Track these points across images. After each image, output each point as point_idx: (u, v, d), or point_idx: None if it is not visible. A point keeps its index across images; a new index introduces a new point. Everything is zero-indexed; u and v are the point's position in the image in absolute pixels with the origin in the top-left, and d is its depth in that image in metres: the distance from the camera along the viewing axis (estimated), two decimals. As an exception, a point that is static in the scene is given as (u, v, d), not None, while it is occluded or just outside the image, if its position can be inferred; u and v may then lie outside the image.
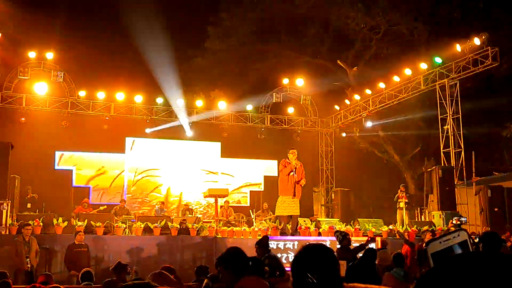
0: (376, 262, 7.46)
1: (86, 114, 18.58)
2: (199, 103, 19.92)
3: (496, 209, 14.81)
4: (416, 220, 15.73)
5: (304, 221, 13.30)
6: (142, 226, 12.05)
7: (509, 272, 0.98)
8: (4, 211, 11.65)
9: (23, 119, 17.57)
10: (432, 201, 15.22)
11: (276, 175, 16.14)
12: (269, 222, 12.63)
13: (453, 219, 12.59)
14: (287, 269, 7.28)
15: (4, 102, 17.68)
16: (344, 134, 21.54)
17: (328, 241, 10.81)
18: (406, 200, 15.19)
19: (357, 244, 8.67)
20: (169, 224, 12.22)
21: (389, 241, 11.25)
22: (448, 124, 16.05)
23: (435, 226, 13.17)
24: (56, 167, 18.60)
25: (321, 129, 21.91)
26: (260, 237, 8.04)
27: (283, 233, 11.66)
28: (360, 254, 7.69)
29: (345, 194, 18.87)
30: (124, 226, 12.23)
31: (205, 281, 4.92)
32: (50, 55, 17.96)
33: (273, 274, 6.61)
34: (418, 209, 17.10)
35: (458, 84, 16.03)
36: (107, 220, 12.15)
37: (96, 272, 9.08)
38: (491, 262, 1.01)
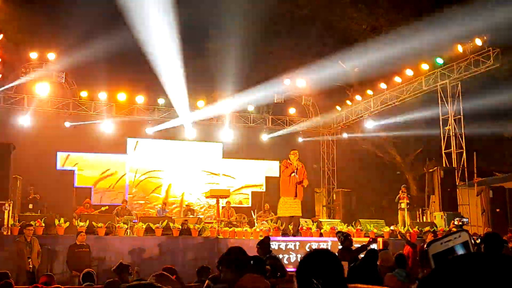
0: (378, 263, 7.45)
1: (87, 115, 18.60)
2: (201, 103, 19.93)
3: (497, 210, 14.80)
4: (418, 221, 15.73)
5: (306, 221, 13.30)
6: (144, 226, 12.06)
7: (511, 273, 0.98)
8: (6, 212, 11.67)
9: (24, 119, 17.57)
10: (434, 202, 15.21)
11: (278, 176, 16.15)
12: (270, 222, 12.62)
13: (455, 220, 12.58)
14: (288, 270, 7.28)
15: (6, 103, 17.71)
16: (345, 135, 21.53)
17: (330, 242, 10.81)
18: (408, 201, 15.18)
19: (359, 245, 8.66)
20: (171, 224, 12.22)
21: (390, 242, 11.24)
22: (449, 125, 16.05)
23: (436, 227, 13.16)
24: (58, 168, 18.61)
25: (323, 129, 21.90)
26: (261, 238, 8.04)
27: (284, 233, 11.66)
28: (362, 255, 7.69)
29: (346, 195, 18.86)
30: (126, 226, 12.24)
31: (207, 282, 4.92)
32: (52, 56, 17.99)
33: (274, 275, 6.61)
34: (420, 210, 17.08)
35: (459, 84, 16.02)
36: (108, 221, 12.16)
37: (97, 272, 9.09)
38: (493, 263, 1.01)
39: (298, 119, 21.48)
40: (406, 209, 15.04)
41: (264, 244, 7.16)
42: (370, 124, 19.91)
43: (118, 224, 12.15)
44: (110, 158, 19.39)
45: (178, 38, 22.79)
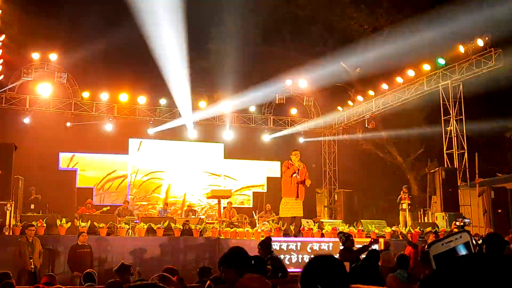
0: (380, 264, 7.45)
1: (89, 115, 18.62)
2: (202, 104, 19.94)
3: (499, 211, 14.78)
4: (419, 221, 15.71)
5: (307, 222, 13.30)
6: (145, 227, 12.06)
7: (512, 273, 0.98)
8: (8, 212, 11.69)
9: (26, 120, 17.59)
10: (435, 202, 15.19)
11: (279, 176, 16.14)
12: (272, 223, 12.62)
13: (457, 220, 12.55)
14: (289, 270, 7.28)
15: (8, 103, 17.74)
16: (347, 135, 21.52)
17: (331, 242, 10.81)
18: (409, 202, 15.16)
19: (360, 246, 8.65)
20: (172, 225, 12.22)
21: (392, 242, 11.22)
22: (451, 125, 16.04)
23: (438, 228, 13.15)
24: (60, 168, 18.64)
25: (324, 130, 21.90)
26: (262, 238, 8.04)
27: (286, 234, 11.65)
28: (363, 256, 7.68)
29: (348, 195, 18.85)
30: (127, 227, 12.25)
31: (208, 283, 4.93)
32: (53, 56, 18.03)
33: (276, 276, 6.61)
34: (421, 210, 17.07)
35: (461, 85, 16.01)
36: (110, 221, 12.16)
37: (99, 272, 9.10)
38: (495, 264, 1.01)
39: (300, 120, 21.48)
40: (407, 210, 15.02)
41: (266, 244, 7.15)
42: (371, 125, 19.89)
43: (119, 225, 12.16)
44: (111, 159, 19.41)
45: (180, 38, 22.84)
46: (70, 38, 20.74)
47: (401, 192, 15.45)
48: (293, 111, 21.38)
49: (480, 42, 15.06)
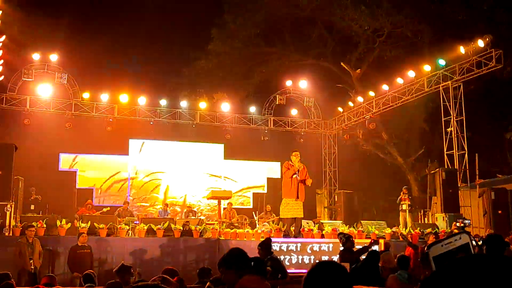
0: (380, 264, 7.45)
1: (89, 116, 18.62)
2: (203, 105, 19.94)
3: (499, 212, 14.77)
4: (420, 222, 15.71)
5: (307, 223, 13.29)
6: (145, 228, 12.06)
7: (512, 275, 0.98)
8: (8, 213, 11.68)
9: (27, 120, 17.60)
10: (436, 203, 15.18)
11: (279, 177, 16.14)
12: (272, 224, 12.62)
13: (457, 221, 12.55)
14: (289, 271, 7.28)
15: (8, 104, 17.74)
16: (347, 136, 21.51)
17: (331, 243, 10.80)
18: (409, 202, 15.15)
19: (360, 246, 8.65)
20: (172, 226, 12.22)
21: (392, 243, 11.22)
22: (451, 126, 16.03)
23: (438, 229, 13.14)
24: (60, 169, 18.64)
25: (324, 131, 21.89)
26: (263, 239, 8.03)
27: (286, 235, 11.65)
28: (363, 256, 7.68)
29: (348, 196, 18.83)
30: (127, 227, 12.24)
31: (208, 283, 4.93)
32: (54, 57, 18.02)
33: (275, 276, 6.61)
34: (422, 211, 17.06)
35: (462, 86, 16.01)
36: (110, 222, 12.15)
37: (99, 273, 9.10)
38: (495, 265, 1.01)
39: (300, 120, 21.48)
40: (407, 211, 15.02)
41: (265, 245, 7.15)
42: (372, 126, 19.88)
43: (119, 225, 12.15)
44: (111, 160, 19.42)
45: (181, 40, 22.87)
46: (70, 39, 20.75)
47: (401, 193, 15.44)
48: (294, 111, 21.38)
49: (480, 43, 15.05)
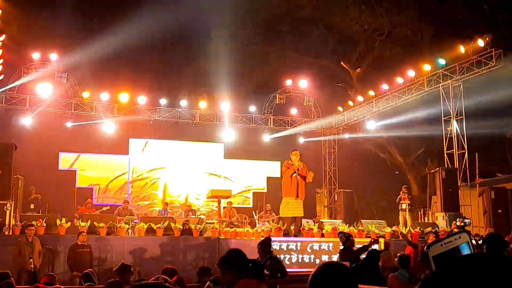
0: (380, 263, 7.45)
1: (89, 115, 18.61)
2: (203, 104, 19.94)
3: (499, 211, 14.78)
4: (420, 221, 15.71)
5: (307, 222, 13.29)
6: (145, 226, 12.06)
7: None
8: (8, 212, 11.68)
9: (26, 120, 17.60)
10: (436, 202, 15.19)
11: (279, 176, 16.13)
12: (272, 223, 12.62)
13: (457, 220, 12.55)
14: (288, 270, 7.28)
15: (8, 103, 17.74)
16: (347, 136, 21.52)
17: (331, 242, 10.80)
18: (408, 202, 15.16)
19: (360, 246, 8.65)
20: (172, 225, 12.22)
21: (392, 242, 11.22)
22: (451, 126, 16.03)
23: (438, 228, 13.14)
24: (60, 168, 18.64)
25: (324, 130, 21.89)
26: (262, 238, 8.03)
27: (286, 234, 11.65)
28: (364, 256, 7.68)
29: (348, 196, 18.84)
30: (127, 226, 12.25)
31: (208, 283, 4.93)
32: (54, 56, 18.03)
33: (275, 276, 6.61)
34: (422, 210, 17.07)
35: (461, 85, 16.01)
36: (110, 221, 12.15)
37: (98, 272, 9.11)
38: (495, 264, 1.00)
39: (300, 120, 21.48)
40: (407, 210, 15.02)
41: (265, 244, 7.15)
42: (371, 125, 19.89)
43: (119, 224, 12.15)
44: (111, 159, 19.41)
45: (181, 38, 22.85)
46: (70, 38, 20.74)
47: (401, 192, 15.44)
48: (293, 111, 21.38)
49: (480, 42, 15.05)
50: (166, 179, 19.82)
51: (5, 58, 16.60)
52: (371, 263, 7.00)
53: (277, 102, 20.96)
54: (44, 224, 11.37)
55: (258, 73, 23.76)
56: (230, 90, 21.43)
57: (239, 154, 20.63)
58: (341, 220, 15.45)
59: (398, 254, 7.90)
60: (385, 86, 18.67)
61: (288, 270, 7.17)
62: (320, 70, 23.49)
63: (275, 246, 9.63)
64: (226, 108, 20.06)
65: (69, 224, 11.69)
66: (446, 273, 1.03)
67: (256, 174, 20.93)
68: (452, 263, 1.05)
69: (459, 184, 15.17)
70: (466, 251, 1.36)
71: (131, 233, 12.47)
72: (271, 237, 8.36)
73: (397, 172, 23.06)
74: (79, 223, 11.69)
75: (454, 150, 15.91)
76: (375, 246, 8.97)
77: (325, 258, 10.54)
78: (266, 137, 20.86)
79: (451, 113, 16.06)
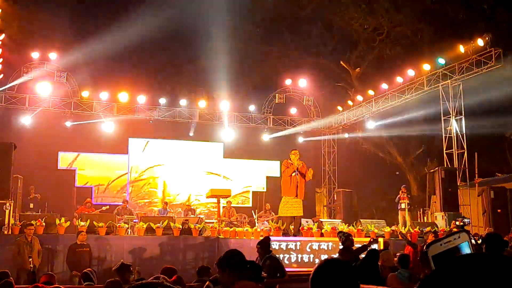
0: (379, 263, 7.45)
1: (89, 115, 18.61)
2: (202, 103, 19.93)
3: (499, 210, 14.79)
4: (419, 221, 15.71)
5: (307, 221, 13.28)
6: (145, 226, 12.06)
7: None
8: (7, 211, 11.68)
9: (25, 119, 17.60)
10: (435, 202, 15.20)
11: (279, 176, 16.13)
12: (271, 222, 12.61)
13: (456, 220, 12.56)
14: (288, 270, 7.28)
15: (8, 102, 17.72)
16: (346, 135, 21.52)
17: (331, 242, 10.80)
18: (408, 201, 15.16)
19: (360, 245, 8.65)
20: (171, 224, 12.22)
21: (391, 242, 11.22)
22: (451, 125, 16.04)
23: (437, 227, 13.14)
24: (59, 167, 18.63)
25: (324, 130, 21.89)
26: (262, 238, 8.03)
27: (285, 233, 11.64)
28: (363, 255, 7.68)
29: (347, 195, 18.85)
30: (127, 226, 12.24)
31: (207, 283, 4.92)
32: (53, 55, 18.02)
33: (274, 275, 6.61)
34: (421, 210, 17.07)
35: (461, 85, 16.01)
36: (109, 220, 12.15)
37: (98, 272, 9.10)
38: (495, 264, 1.00)
39: (299, 119, 21.47)
40: (406, 209, 15.03)
41: (264, 244, 7.15)
42: (371, 124, 19.89)
43: (118, 224, 12.15)
44: (111, 158, 19.41)
45: (181, 37, 22.84)
46: (69, 37, 20.74)
47: (400, 192, 15.45)
48: (293, 110, 21.38)
49: (480, 42, 15.06)
50: (166, 179, 19.82)
51: (5, 58, 16.60)
52: (370, 263, 7.00)
53: (276, 102, 20.95)
54: (44, 224, 11.37)
55: (257, 73, 23.75)
56: (230, 89, 21.42)
57: (239, 154, 20.62)
58: (341, 220, 15.45)
59: (397, 254, 7.91)
60: (384, 86, 18.67)
61: (287, 269, 7.17)
62: (320, 69, 23.50)
63: (274, 245, 9.62)
64: (225, 108, 20.05)
65: (68, 223, 11.68)
66: (445, 272, 1.03)
67: (255, 174, 20.92)
68: (451, 263, 1.04)
69: (458, 184, 15.17)
70: (465, 250, 1.36)
71: (130, 232, 12.47)
72: (270, 237, 8.36)
73: (397, 173, 23.05)
74: (78, 222, 11.69)
75: (453, 149, 15.91)
76: (375, 246, 8.96)
77: (324, 257, 10.53)
78: (266, 137, 20.86)
79: (451, 113, 16.06)
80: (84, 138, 18.60)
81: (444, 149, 16.21)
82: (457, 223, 12.28)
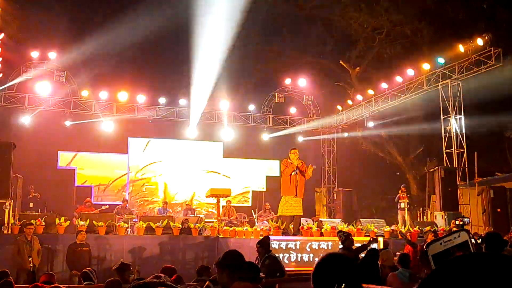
0: (379, 263, 7.45)
1: (88, 114, 18.60)
2: (202, 103, 19.90)
3: (498, 210, 14.80)
4: (419, 220, 15.71)
5: (306, 221, 13.28)
6: (144, 225, 12.05)
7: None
8: (7, 211, 11.67)
9: (25, 119, 17.59)
10: (435, 201, 15.20)
11: (278, 175, 16.13)
12: (271, 222, 12.61)
13: (456, 219, 12.56)
14: (287, 269, 7.28)
15: (7, 102, 17.71)
16: (346, 135, 21.52)
17: (330, 241, 10.80)
18: (407, 201, 15.17)
19: (359, 245, 8.65)
20: (171, 223, 12.22)
21: (391, 241, 11.22)
22: (450, 125, 16.04)
23: (437, 227, 13.14)
24: (59, 167, 18.63)
25: (324, 129, 21.88)
26: (261, 237, 8.03)
27: (285, 233, 11.64)
28: (362, 255, 7.68)
29: (347, 195, 18.85)
30: (126, 225, 12.24)
31: (207, 283, 4.93)
32: (52, 54, 18.00)
33: (273, 275, 6.61)
34: (421, 209, 17.07)
35: (461, 84, 16.01)
36: (109, 220, 12.15)
37: (97, 271, 9.09)
38: (495, 263, 1.00)
39: (299, 119, 21.47)
40: (406, 209, 15.03)
41: (264, 243, 7.15)
42: (371, 124, 19.90)
43: (118, 223, 12.15)
44: (111, 157, 19.40)
45: (180, 37, 22.80)
46: (69, 36, 20.71)
47: (399, 191, 15.46)
48: (293, 110, 21.38)
49: (480, 42, 15.06)
50: (165, 178, 19.82)
51: (4, 57, 16.59)
52: (370, 262, 6.99)
53: (276, 101, 20.95)
54: (43, 223, 11.36)
55: (257, 72, 23.75)
56: (229, 89, 21.42)
57: (238, 153, 20.62)
58: (340, 219, 15.45)
59: (397, 253, 7.91)
60: (384, 85, 18.67)
61: (287, 269, 7.18)
62: (320, 69, 23.50)
63: (274, 245, 9.62)
64: (225, 107, 20.04)
65: (68, 223, 11.68)
66: (446, 272, 1.03)
67: (255, 173, 20.92)
68: (451, 262, 1.04)
69: (458, 183, 15.17)
70: (463, 250, 1.36)
71: (130, 232, 12.47)
72: (270, 236, 8.37)
73: (397, 173, 23.06)
74: (78, 222, 11.68)
75: (453, 149, 15.91)
76: (374, 245, 8.96)
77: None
78: (265, 136, 20.86)
79: (450, 112, 16.06)
80: (84, 138, 18.59)
81: (444, 148, 16.21)
82: (457, 222, 12.29)
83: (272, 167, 20.55)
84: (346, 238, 8.22)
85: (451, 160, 15.92)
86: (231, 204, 16.51)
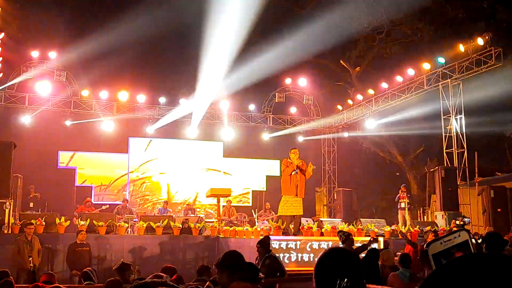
0: (380, 263, 7.45)
1: (88, 114, 18.60)
2: (202, 102, 19.90)
3: (499, 210, 14.79)
4: (419, 220, 15.72)
5: (307, 221, 13.28)
6: (145, 225, 12.06)
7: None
8: (7, 210, 11.67)
9: (25, 118, 17.58)
10: (435, 201, 15.20)
11: (279, 175, 16.13)
12: (271, 222, 12.61)
13: (456, 219, 12.56)
14: (288, 269, 7.28)
15: (7, 101, 17.71)
16: (346, 134, 21.51)
17: (331, 241, 10.80)
18: (407, 200, 15.17)
19: (360, 244, 8.65)
20: (172, 223, 12.22)
21: (391, 241, 11.22)
22: (451, 124, 16.04)
23: (437, 227, 13.14)
24: (59, 167, 18.63)
25: (324, 129, 21.88)
26: (262, 237, 8.03)
27: (285, 233, 11.64)
28: (363, 255, 7.68)
29: (347, 194, 18.84)
30: (127, 225, 12.24)
31: (207, 283, 4.93)
32: (53, 54, 18.00)
33: (274, 274, 6.61)
34: (421, 209, 17.08)
35: (461, 84, 16.01)
36: (109, 220, 12.15)
37: (98, 271, 9.09)
38: (495, 263, 1.00)
39: (299, 118, 21.47)
40: (406, 209, 15.03)
41: (264, 243, 7.16)
42: (371, 124, 19.89)
43: (118, 223, 12.15)
44: (111, 157, 19.40)
45: (180, 36, 22.82)
46: (69, 36, 20.70)
47: (400, 191, 15.45)
48: (293, 109, 21.37)
49: (480, 41, 15.05)
50: (165, 178, 19.82)
51: (4, 56, 16.59)
52: (370, 262, 7.00)
53: (276, 101, 20.95)
54: (43, 223, 11.37)
55: (257, 71, 23.72)
56: (230, 88, 21.40)
57: (238, 153, 20.61)
58: (341, 219, 15.45)
59: (397, 253, 7.91)
60: (384, 85, 18.67)
61: (287, 269, 7.17)
62: (320, 68, 23.49)
63: (274, 245, 9.62)
64: (225, 107, 20.04)
65: (68, 222, 11.68)
66: (447, 272, 1.03)
67: (255, 173, 20.92)
68: (452, 263, 1.04)
69: (458, 183, 15.17)
70: (463, 250, 1.36)
71: (130, 231, 12.47)
72: (270, 236, 8.37)
73: (397, 173, 23.05)
74: (78, 221, 11.69)
75: (453, 149, 15.91)
76: (375, 245, 8.97)
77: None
78: (266, 136, 20.86)
79: (451, 112, 16.06)
80: (84, 137, 18.59)
81: (444, 148, 16.21)
82: (457, 222, 12.28)
83: (273, 167, 20.55)
84: (346, 238, 8.23)
85: (452, 160, 15.92)
86: (232, 204, 16.51)
